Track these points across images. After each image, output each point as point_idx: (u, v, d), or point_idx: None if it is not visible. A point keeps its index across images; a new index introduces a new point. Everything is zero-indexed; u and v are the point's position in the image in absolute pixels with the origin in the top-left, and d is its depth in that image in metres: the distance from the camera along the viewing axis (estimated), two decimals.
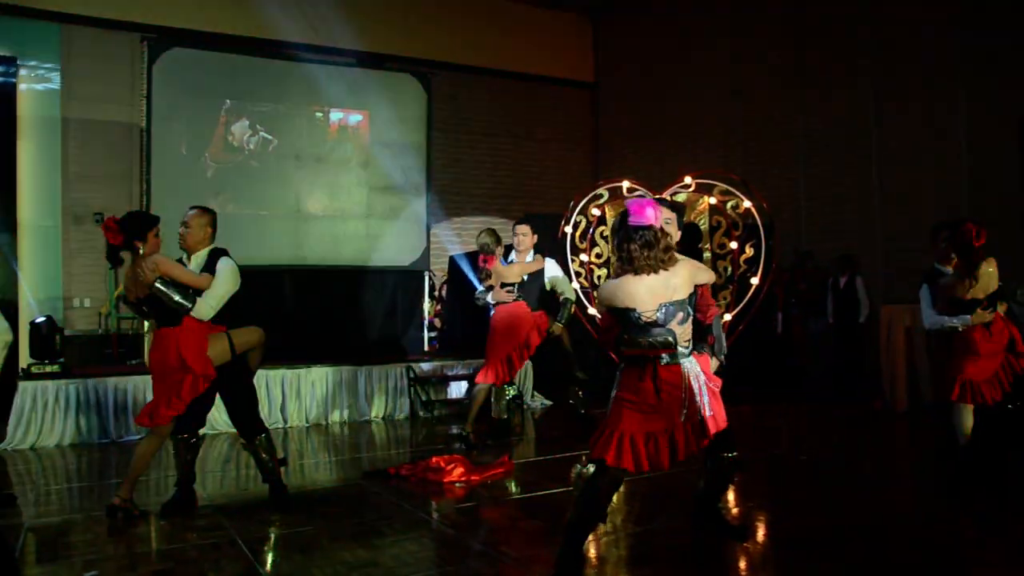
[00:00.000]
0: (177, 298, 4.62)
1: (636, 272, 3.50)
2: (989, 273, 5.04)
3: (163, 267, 4.62)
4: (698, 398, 3.56)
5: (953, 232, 5.18)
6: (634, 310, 3.50)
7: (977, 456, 5.12)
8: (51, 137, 10.21)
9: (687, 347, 3.60)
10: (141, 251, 4.68)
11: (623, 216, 3.58)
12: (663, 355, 3.50)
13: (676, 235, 3.94)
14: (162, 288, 4.60)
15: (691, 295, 3.67)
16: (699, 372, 3.62)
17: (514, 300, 6.80)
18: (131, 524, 4.66)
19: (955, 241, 5.13)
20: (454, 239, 12.72)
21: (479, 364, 9.22)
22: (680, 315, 3.53)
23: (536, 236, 6.97)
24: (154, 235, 4.75)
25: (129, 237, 4.66)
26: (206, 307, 4.71)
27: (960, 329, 5.10)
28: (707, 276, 3.78)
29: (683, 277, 3.57)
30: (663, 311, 3.50)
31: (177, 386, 4.64)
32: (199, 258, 4.85)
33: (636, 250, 3.47)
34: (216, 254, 4.86)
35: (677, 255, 3.63)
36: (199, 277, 4.73)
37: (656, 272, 3.50)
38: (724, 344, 4.38)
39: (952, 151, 8.88)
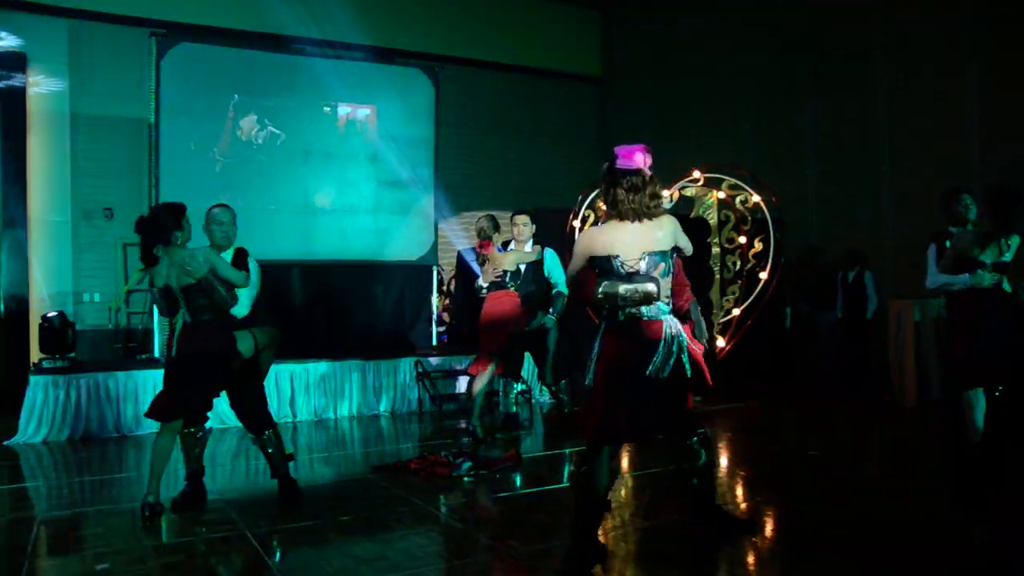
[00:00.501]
0: (224, 292, 4.65)
1: (620, 218, 3.42)
2: (1010, 244, 4.99)
3: (214, 260, 4.64)
4: (675, 357, 3.43)
5: (990, 190, 5.11)
6: (617, 256, 3.41)
7: (985, 450, 5.11)
8: (60, 133, 10.25)
9: (667, 303, 3.52)
10: (180, 240, 4.68)
11: (611, 160, 3.49)
12: (643, 309, 3.40)
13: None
14: (213, 281, 4.61)
15: (672, 250, 3.56)
16: (680, 330, 3.50)
17: (503, 289, 6.67)
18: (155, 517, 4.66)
19: (993, 198, 5.02)
20: (462, 234, 12.72)
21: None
22: (662, 266, 3.44)
23: (535, 227, 6.85)
24: (185, 220, 4.75)
25: (170, 229, 4.64)
26: (243, 304, 4.89)
27: (956, 289, 5.04)
28: (687, 243, 3.65)
29: (667, 230, 3.49)
30: (646, 260, 3.41)
31: (210, 378, 4.70)
32: (226, 256, 4.90)
33: (622, 194, 3.39)
34: (243, 253, 4.96)
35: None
36: (240, 273, 4.76)
37: (640, 220, 3.41)
38: (704, 328, 4.35)
39: (963, 147, 8.83)
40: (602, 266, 3.46)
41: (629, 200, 3.37)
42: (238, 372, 4.81)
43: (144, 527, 4.52)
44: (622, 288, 3.36)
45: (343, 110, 9.90)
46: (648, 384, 3.42)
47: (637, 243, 3.41)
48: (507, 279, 6.65)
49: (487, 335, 6.67)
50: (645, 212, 3.39)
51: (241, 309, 4.90)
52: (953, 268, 5.06)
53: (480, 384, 6.66)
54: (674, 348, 3.43)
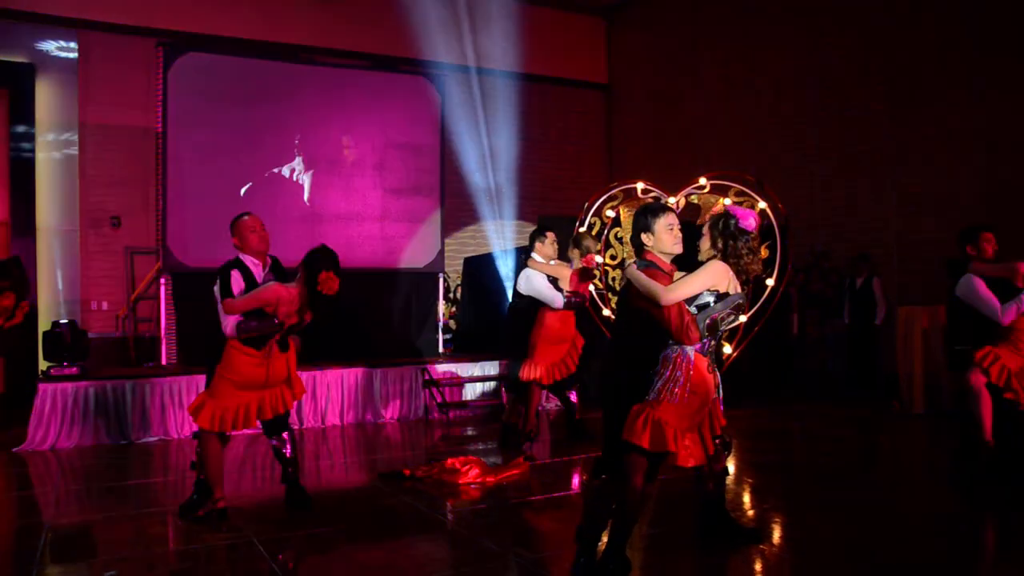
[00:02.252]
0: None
1: (733, 267, 3.74)
2: None
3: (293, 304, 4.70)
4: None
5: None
6: (727, 294, 3.70)
7: (1000, 455, 5.09)
8: (69, 142, 10.32)
9: None
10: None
11: (727, 216, 3.79)
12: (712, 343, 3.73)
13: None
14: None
15: None
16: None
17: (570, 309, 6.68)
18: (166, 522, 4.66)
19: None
20: (468, 241, 12.75)
21: (494, 366, 9.28)
22: None
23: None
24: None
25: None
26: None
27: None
28: None
29: None
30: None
31: (273, 399, 4.77)
32: (269, 265, 4.94)
33: (744, 250, 3.74)
34: (278, 261, 5.02)
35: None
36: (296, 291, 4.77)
37: (739, 277, 3.76)
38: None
39: (968, 152, 8.83)
40: (706, 299, 3.67)
41: (748, 260, 3.76)
42: None
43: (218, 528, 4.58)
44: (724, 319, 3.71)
45: (348, 119, 9.92)
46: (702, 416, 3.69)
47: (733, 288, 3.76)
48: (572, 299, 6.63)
49: (554, 348, 6.67)
50: (751, 271, 3.80)
51: None
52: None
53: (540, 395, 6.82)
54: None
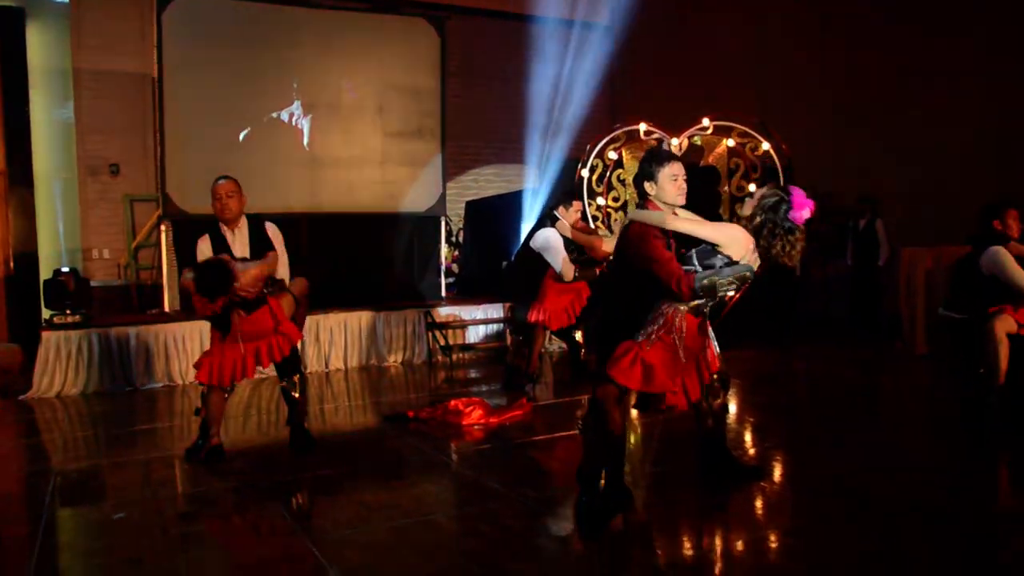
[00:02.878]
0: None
1: (765, 244, 3.54)
2: None
3: (261, 284, 4.79)
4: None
5: None
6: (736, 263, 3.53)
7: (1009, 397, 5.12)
8: (63, 88, 10.18)
9: None
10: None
11: (781, 199, 3.53)
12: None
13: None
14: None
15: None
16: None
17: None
18: (169, 466, 4.74)
19: None
20: (470, 184, 12.66)
21: (497, 309, 9.30)
22: None
23: None
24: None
25: (223, 286, 4.63)
26: (287, 276, 5.03)
27: None
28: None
29: None
30: None
31: (269, 349, 4.83)
32: (243, 229, 4.91)
33: (779, 244, 3.51)
34: (258, 222, 4.99)
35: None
36: (273, 262, 4.89)
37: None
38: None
39: (976, 98, 8.69)
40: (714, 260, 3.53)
41: (777, 250, 3.53)
42: None
43: (206, 465, 4.73)
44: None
45: (349, 61, 9.77)
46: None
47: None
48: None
49: (562, 295, 6.67)
50: (779, 260, 3.57)
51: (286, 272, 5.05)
52: None
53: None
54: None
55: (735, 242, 3.49)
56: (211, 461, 4.81)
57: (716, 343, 3.99)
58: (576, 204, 6.75)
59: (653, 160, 3.70)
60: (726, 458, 4.16)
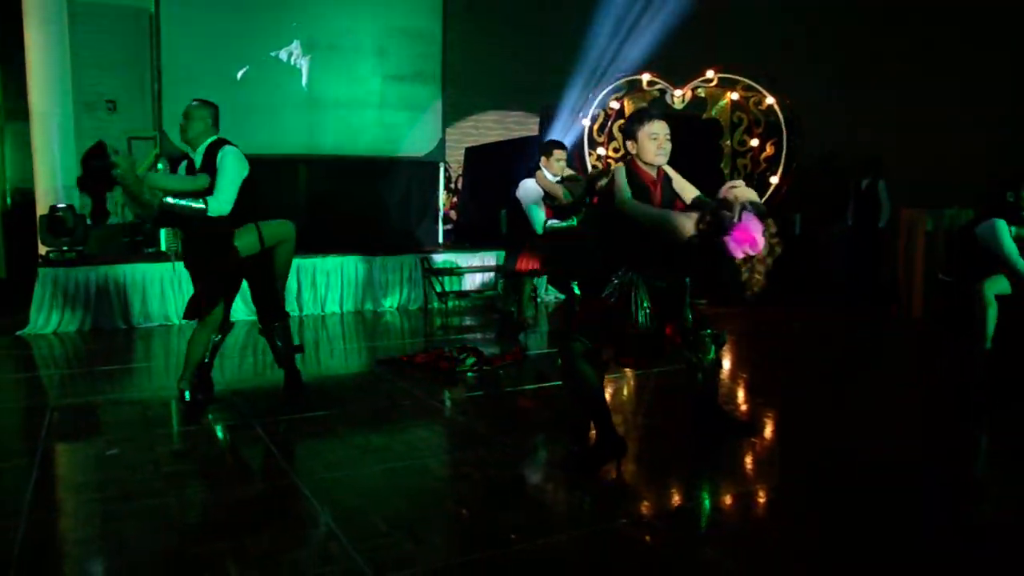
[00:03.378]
0: (191, 205, 4.51)
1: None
2: None
3: (155, 182, 4.47)
4: None
5: None
6: None
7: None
8: (58, 22, 9.99)
9: None
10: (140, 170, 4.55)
11: (724, 216, 3.23)
12: None
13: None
14: (172, 203, 4.48)
15: None
16: None
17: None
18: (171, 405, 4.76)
19: None
20: (471, 131, 12.55)
21: (493, 256, 9.28)
22: None
23: None
24: (114, 152, 4.46)
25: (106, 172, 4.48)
26: (221, 201, 4.58)
27: None
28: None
29: None
30: None
31: (213, 282, 4.70)
32: (199, 153, 4.73)
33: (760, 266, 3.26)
34: (215, 146, 4.69)
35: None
36: (195, 180, 4.60)
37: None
38: None
39: (985, 54, 8.57)
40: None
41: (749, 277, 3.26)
42: (251, 266, 4.80)
43: (182, 409, 4.70)
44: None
45: (348, 1, 9.60)
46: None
47: None
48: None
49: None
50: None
51: (221, 207, 4.58)
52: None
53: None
54: None
55: (671, 232, 3.37)
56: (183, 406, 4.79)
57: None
58: (557, 152, 6.66)
59: (635, 119, 3.69)
60: (718, 414, 4.18)
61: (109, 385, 5.58)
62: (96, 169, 4.38)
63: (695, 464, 3.89)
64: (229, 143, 4.73)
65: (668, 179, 3.67)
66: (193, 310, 4.75)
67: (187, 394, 4.78)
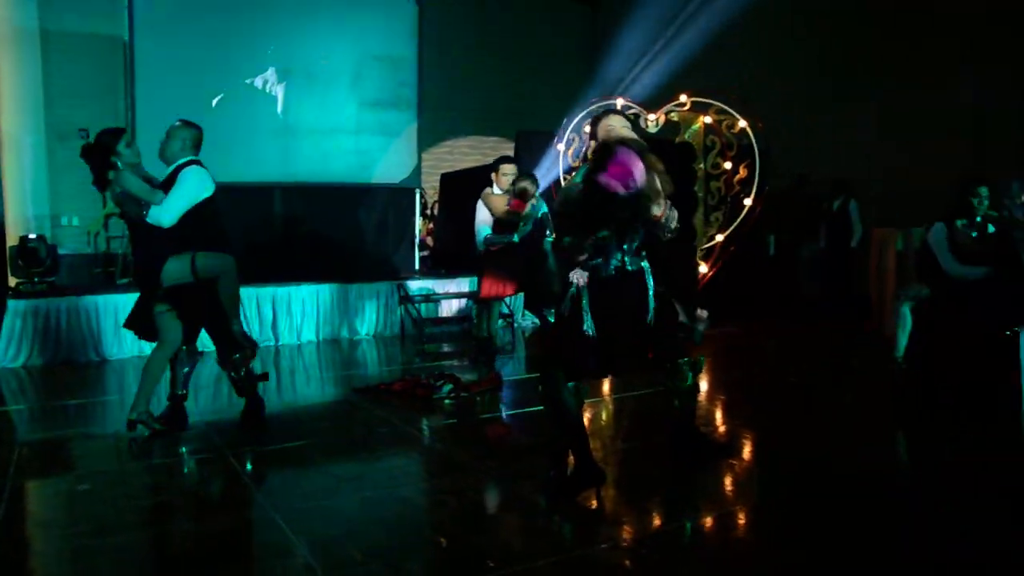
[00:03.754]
0: (135, 210, 4.50)
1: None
2: None
3: (121, 179, 4.48)
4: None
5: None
6: None
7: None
8: (32, 50, 9.96)
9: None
10: (120, 165, 4.56)
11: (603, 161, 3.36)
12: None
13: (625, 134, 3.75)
14: (130, 183, 4.45)
15: None
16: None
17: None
18: (149, 440, 4.65)
19: None
20: (446, 156, 12.58)
21: (470, 282, 9.27)
22: None
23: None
24: (125, 146, 4.59)
25: (104, 156, 4.52)
26: (165, 210, 4.48)
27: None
28: None
29: None
30: None
31: (146, 301, 4.63)
32: (167, 171, 4.68)
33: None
34: (181, 166, 4.64)
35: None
36: (152, 192, 4.52)
37: None
38: None
39: (953, 74, 8.74)
40: None
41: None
42: (194, 298, 4.66)
43: (130, 445, 4.57)
44: None
45: (324, 27, 9.62)
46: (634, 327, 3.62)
47: None
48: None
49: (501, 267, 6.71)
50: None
51: (161, 217, 4.48)
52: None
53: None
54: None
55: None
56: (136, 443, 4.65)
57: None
58: (505, 167, 6.73)
59: (594, 120, 3.78)
60: (695, 436, 4.18)
61: (81, 419, 5.50)
62: (103, 144, 4.52)
63: (674, 487, 3.88)
64: (200, 164, 4.70)
65: None
66: (131, 320, 4.73)
67: (139, 427, 4.62)
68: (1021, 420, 4.90)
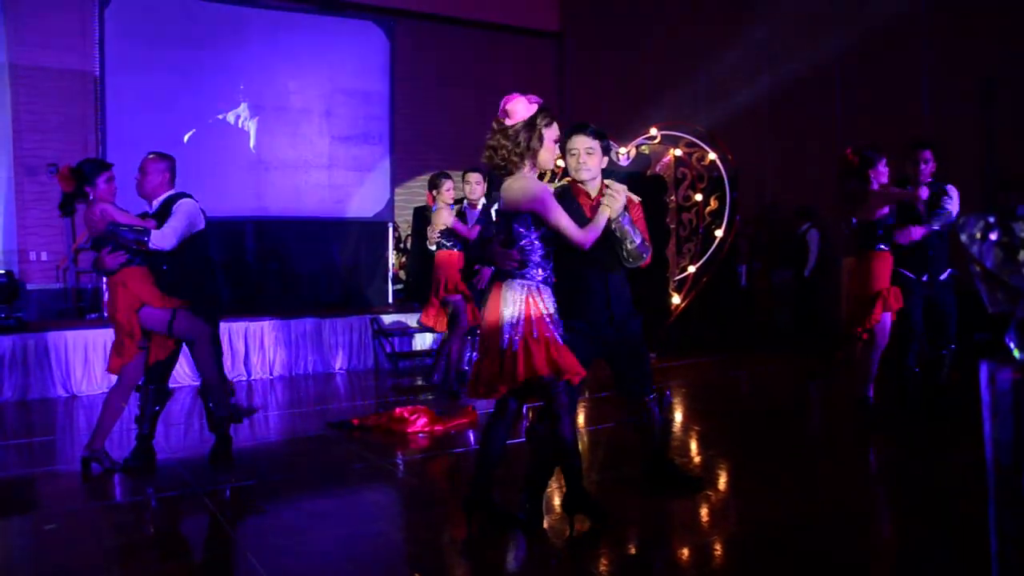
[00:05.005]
0: (138, 236, 4.50)
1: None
2: None
3: (108, 213, 4.50)
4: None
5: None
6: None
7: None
8: None
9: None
10: (91, 197, 4.58)
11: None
12: None
13: (600, 163, 3.81)
14: (118, 226, 4.47)
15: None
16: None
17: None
18: (104, 476, 4.60)
19: None
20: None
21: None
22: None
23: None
24: (105, 181, 4.63)
25: (80, 184, 4.55)
26: (166, 235, 4.55)
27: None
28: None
29: None
30: None
31: (119, 337, 4.60)
32: (156, 204, 4.78)
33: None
34: (173, 199, 4.77)
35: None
36: (144, 221, 4.61)
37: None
38: None
39: (915, 108, 8.94)
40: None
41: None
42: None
43: (85, 483, 4.51)
44: None
45: (295, 64, 9.67)
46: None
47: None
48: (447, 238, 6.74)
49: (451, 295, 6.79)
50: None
51: (164, 241, 4.54)
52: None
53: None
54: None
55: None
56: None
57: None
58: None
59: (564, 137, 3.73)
60: (670, 467, 4.19)
61: (48, 456, 5.39)
62: (84, 173, 4.59)
63: (650, 518, 3.87)
64: (190, 197, 4.80)
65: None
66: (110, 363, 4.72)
67: (92, 464, 4.63)
68: None
